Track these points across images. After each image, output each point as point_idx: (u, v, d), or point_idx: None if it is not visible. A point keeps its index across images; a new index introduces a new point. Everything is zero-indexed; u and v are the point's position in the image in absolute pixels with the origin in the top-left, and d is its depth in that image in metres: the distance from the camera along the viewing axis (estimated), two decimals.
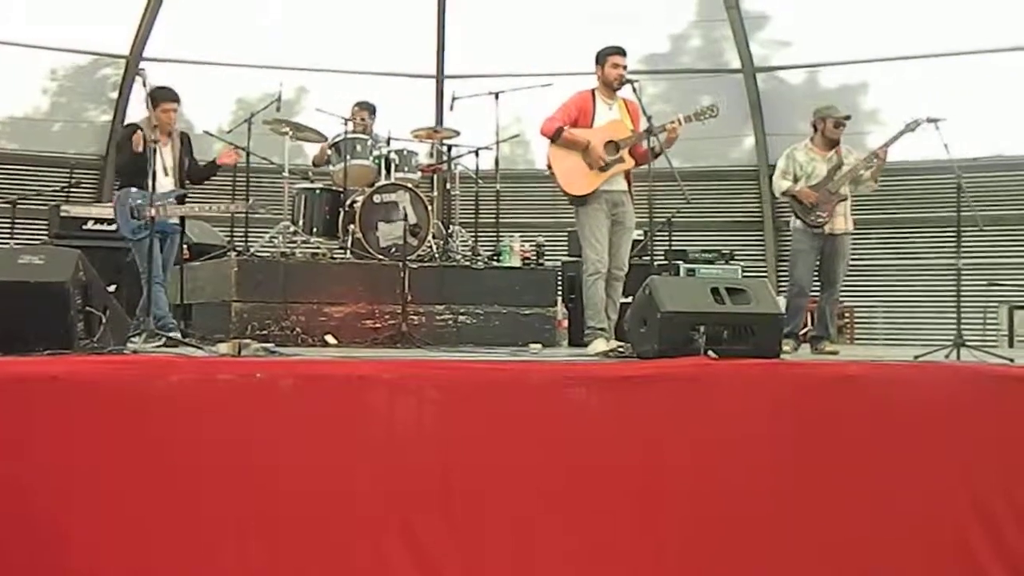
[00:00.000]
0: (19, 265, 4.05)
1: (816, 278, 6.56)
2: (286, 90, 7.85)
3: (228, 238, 7.56)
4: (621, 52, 6.10)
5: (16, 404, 3.50)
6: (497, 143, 7.73)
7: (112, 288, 6.50)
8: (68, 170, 9.94)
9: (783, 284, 9.44)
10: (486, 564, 3.83)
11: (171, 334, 5.49)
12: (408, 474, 3.79)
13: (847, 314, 10.66)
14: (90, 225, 7.85)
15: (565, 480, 3.92)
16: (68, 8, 10.56)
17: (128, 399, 3.61)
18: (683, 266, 9.07)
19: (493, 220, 7.84)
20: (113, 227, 7.26)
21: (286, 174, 7.42)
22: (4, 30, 10.36)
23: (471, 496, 3.84)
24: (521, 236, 7.90)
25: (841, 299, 7.79)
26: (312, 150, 8.48)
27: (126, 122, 8.24)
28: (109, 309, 4.43)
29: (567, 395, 4.06)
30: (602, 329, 5.92)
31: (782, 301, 5.96)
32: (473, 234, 7.73)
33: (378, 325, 6.57)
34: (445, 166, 7.76)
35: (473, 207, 7.77)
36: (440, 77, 12.08)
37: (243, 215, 7.09)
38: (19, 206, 8.42)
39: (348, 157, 7.28)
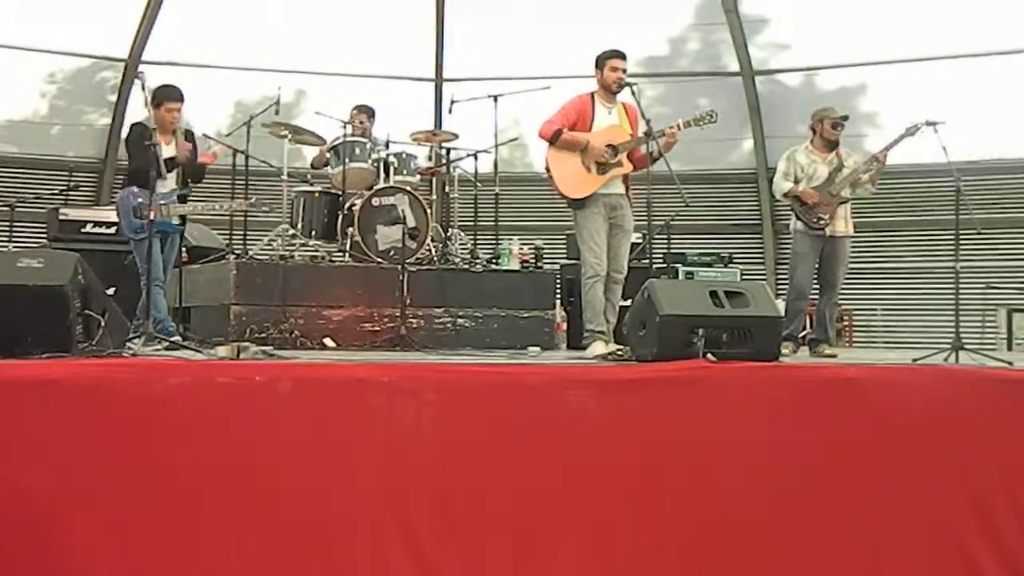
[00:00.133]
0: (18, 268, 4.05)
1: (815, 281, 6.56)
2: (285, 93, 7.85)
3: (227, 241, 7.56)
4: (620, 56, 6.10)
5: (15, 407, 3.50)
6: (496, 146, 7.75)
7: (111, 291, 6.49)
8: (67, 173, 9.96)
9: (782, 287, 9.45)
10: (485, 565, 3.83)
11: (170, 337, 5.48)
12: (407, 476, 3.79)
13: (846, 317, 10.68)
14: (89, 228, 7.82)
15: (564, 483, 3.93)
16: (67, 11, 10.56)
17: (127, 402, 3.61)
18: (682, 269, 9.03)
19: (492, 223, 7.86)
20: (112, 230, 7.26)
21: (285, 177, 7.41)
22: (3, 33, 10.36)
23: (470, 498, 3.84)
24: (520, 239, 7.89)
25: (840, 302, 7.80)
26: (311, 153, 8.49)
27: (127, 122, 8.21)
28: (108, 312, 4.43)
29: (566, 398, 4.06)
30: (601, 332, 5.92)
31: (781, 304, 5.96)
32: (472, 237, 7.72)
33: (377, 328, 6.56)
34: (444, 169, 7.74)
35: (472, 210, 7.77)
36: (439, 80, 12.10)
37: (243, 216, 7.07)
38: (18, 209, 8.44)
39: (347, 160, 7.27)
